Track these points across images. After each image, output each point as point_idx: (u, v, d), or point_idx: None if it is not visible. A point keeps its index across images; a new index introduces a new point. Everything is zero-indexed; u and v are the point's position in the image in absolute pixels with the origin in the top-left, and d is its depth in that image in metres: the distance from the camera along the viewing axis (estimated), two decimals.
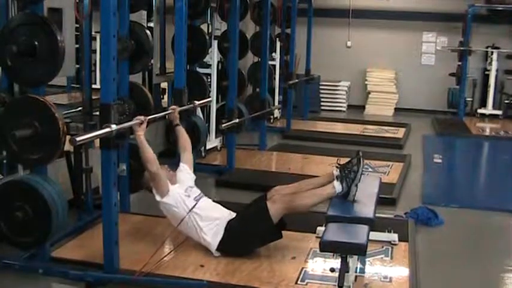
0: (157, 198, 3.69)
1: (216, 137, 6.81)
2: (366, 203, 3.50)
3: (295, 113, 9.19)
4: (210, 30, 6.77)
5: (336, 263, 3.09)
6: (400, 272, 3.56)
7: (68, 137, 3.21)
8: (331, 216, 3.30)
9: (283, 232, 3.70)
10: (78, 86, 6.09)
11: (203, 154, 6.46)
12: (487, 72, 10.74)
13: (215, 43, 6.67)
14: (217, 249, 3.61)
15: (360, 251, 2.98)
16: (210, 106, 6.59)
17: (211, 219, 3.66)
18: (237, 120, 6.00)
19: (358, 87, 11.52)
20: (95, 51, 5.30)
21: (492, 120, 10.32)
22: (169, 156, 4.87)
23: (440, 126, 9.50)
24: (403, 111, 11.06)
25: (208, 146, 6.59)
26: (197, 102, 4.71)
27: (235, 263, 3.54)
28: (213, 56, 6.62)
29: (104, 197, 3.36)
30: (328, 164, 5.74)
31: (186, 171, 3.98)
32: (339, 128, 9.20)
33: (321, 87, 11.08)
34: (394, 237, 3.99)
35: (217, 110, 6.74)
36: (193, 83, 5.31)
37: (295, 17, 8.82)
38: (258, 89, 7.82)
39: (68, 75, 5.72)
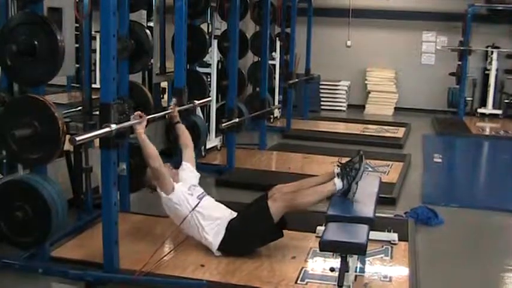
0: (162, 195, 3.68)
1: (216, 137, 6.81)
2: (365, 203, 3.50)
3: (295, 112, 9.19)
4: (210, 30, 6.77)
5: (336, 262, 3.08)
6: (400, 271, 3.56)
7: (67, 137, 3.21)
8: (331, 215, 3.30)
9: (283, 231, 3.70)
10: (78, 85, 6.09)
11: (203, 153, 6.46)
12: (487, 72, 10.74)
13: (215, 42, 6.67)
14: (219, 248, 3.61)
15: (360, 250, 2.98)
16: (210, 105, 6.59)
17: (212, 218, 3.65)
18: (237, 120, 6.00)
19: (358, 86, 11.52)
20: (94, 51, 5.30)
21: (492, 120, 10.32)
22: (169, 156, 4.87)
23: (440, 125, 9.50)
24: (403, 110, 11.06)
25: (208, 146, 6.59)
26: (197, 102, 4.71)
27: (235, 262, 3.53)
28: (213, 56, 6.62)
29: (103, 196, 3.36)
30: (328, 164, 5.74)
31: (188, 170, 3.98)
32: (339, 127, 9.20)
33: (321, 86, 11.07)
34: (394, 236, 3.99)
35: (217, 109, 6.74)
36: (193, 83, 5.31)
37: (295, 17, 8.81)
38: (258, 89, 7.82)
39: (67, 75, 5.72)
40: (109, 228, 3.35)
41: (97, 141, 3.42)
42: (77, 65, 4.82)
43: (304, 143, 7.79)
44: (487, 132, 9.46)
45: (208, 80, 6.49)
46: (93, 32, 4.62)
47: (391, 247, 3.90)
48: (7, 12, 4.02)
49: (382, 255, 3.76)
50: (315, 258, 3.65)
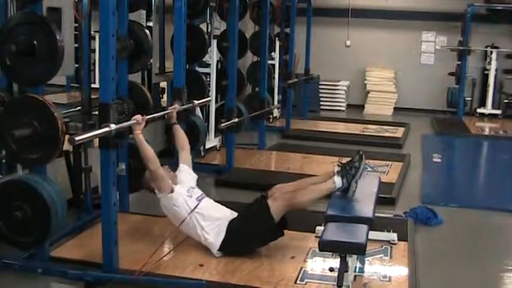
0: (161, 196, 3.68)
1: (215, 137, 6.81)
2: (365, 203, 3.50)
3: (295, 112, 9.19)
4: (209, 30, 6.77)
5: (335, 262, 3.09)
6: (399, 271, 3.56)
7: (67, 137, 3.20)
8: (330, 215, 3.30)
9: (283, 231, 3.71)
10: (77, 85, 6.08)
11: (202, 153, 6.46)
12: (486, 72, 10.74)
13: (214, 42, 6.67)
14: (219, 249, 3.60)
15: (359, 250, 2.99)
16: (209, 105, 6.59)
17: (213, 219, 3.65)
18: (236, 120, 6.00)
19: (358, 86, 11.52)
20: (94, 51, 5.28)
21: (491, 120, 10.33)
22: (169, 156, 4.87)
23: (439, 125, 9.50)
24: (402, 110, 11.06)
25: (208, 146, 6.59)
26: (196, 102, 4.71)
27: (234, 262, 3.53)
28: (213, 56, 6.62)
29: (103, 196, 3.36)
30: (327, 163, 5.74)
31: (186, 172, 3.98)
32: (338, 127, 9.20)
33: (320, 86, 11.08)
34: (393, 236, 3.99)
35: (216, 109, 6.74)
36: (193, 83, 5.31)
37: (295, 17, 8.81)
38: (257, 89, 7.82)
39: (67, 75, 5.71)
40: (108, 228, 3.35)
41: (96, 141, 3.42)
42: (76, 65, 4.81)
43: (303, 143, 7.79)
44: (486, 132, 9.47)
45: (208, 80, 6.49)
46: (92, 32, 4.62)
47: (391, 247, 3.90)
48: (6, 12, 4.02)
49: (381, 255, 3.76)
50: (314, 258, 3.65)
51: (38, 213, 3.29)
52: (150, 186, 3.80)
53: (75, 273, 3.34)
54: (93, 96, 4.37)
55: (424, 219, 4.61)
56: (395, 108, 11.17)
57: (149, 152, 3.60)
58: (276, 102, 8.83)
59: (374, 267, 3.58)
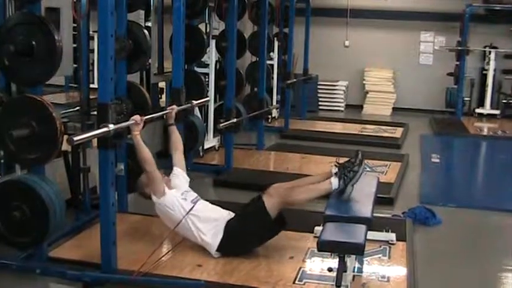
0: (154, 199, 3.68)
1: (214, 137, 6.81)
2: (363, 203, 3.50)
3: (293, 112, 9.19)
4: (208, 30, 6.76)
5: (334, 262, 3.08)
6: (398, 271, 3.56)
7: (65, 137, 3.20)
8: (328, 215, 3.30)
9: (281, 232, 3.70)
10: (75, 85, 6.08)
11: (201, 154, 6.46)
12: (484, 72, 10.74)
13: (213, 43, 6.66)
14: (218, 249, 3.60)
15: (358, 250, 2.98)
16: (208, 106, 6.59)
17: (209, 220, 3.65)
18: (235, 120, 6.00)
19: (356, 86, 11.51)
20: (92, 51, 5.27)
21: (490, 120, 10.33)
22: (167, 156, 4.86)
23: (438, 125, 9.50)
24: (401, 110, 11.06)
25: (206, 146, 6.59)
26: (195, 102, 4.71)
27: (233, 262, 3.53)
28: (211, 56, 6.62)
29: (101, 196, 3.36)
30: (326, 164, 5.73)
31: (180, 175, 3.97)
32: (337, 127, 9.20)
33: (319, 86, 11.08)
34: (392, 236, 3.99)
35: (215, 109, 6.74)
36: (191, 83, 5.31)
37: (293, 17, 8.81)
38: (256, 89, 7.81)
39: (65, 75, 5.70)
40: (107, 229, 3.35)
41: (95, 142, 3.42)
42: (75, 65, 4.82)
43: (302, 143, 7.79)
44: (485, 132, 9.49)
45: (206, 80, 6.49)
46: (91, 32, 4.62)
47: (389, 247, 3.90)
48: (5, 12, 4.02)
49: (380, 255, 3.76)
50: (312, 258, 3.66)
51: (36, 214, 3.29)
52: (143, 192, 3.81)
53: (73, 273, 3.34)
54: (91, 97, 4.37)
55: (423, 219, 4.61)
56: (394, 109, 11.17)
57: (146, 153, 3.60)
58: (274, 103, 8.83)
59: (373, 268, 3.58)
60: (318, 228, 3.85)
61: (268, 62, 8.44)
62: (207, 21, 6.81)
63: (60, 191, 3.41)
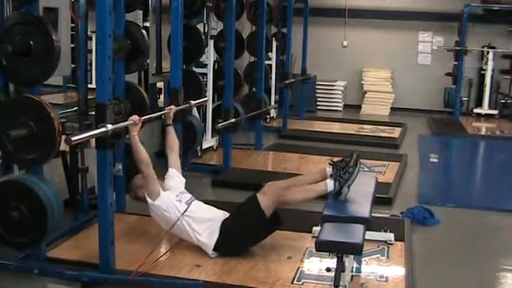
0: (149, 201, 3.68)
1: (212, 137, 6.80)
2: (361, 203, 3.50)
3: (292, 112, 9.19)
4: (206, 30, 6.76)
5: (332, 262, 3.09)
6: (396, 271, 3.56)
7: (63, 137, 3.20)
8: (327, 215, 3.30)
9: (279, 232, 3.71)
10: (74, 85, 6.07)
11: (199, 154, 6.46)
12: (483, 72, 10.75)
13: (211, 43, 6.66)
14: (214, 249, 3.60)
15: (356, 250, 2.99)
16: (206, 106, 6.58)
17: (204, 220, 3.65)
18: (233, 120, 6.00)
19: (355, 86, 11.52)
20: (90, 51, 5.28)
21: (488, 120, 10.34)
22: (165, 157, 4.85)
23: (436, 125, 9.52)
24: (399, 110, 11.07)
25: (205, 146, 6.58)
26: (193, 102, 4.71)
27: (231, 262, 3.53)
28: (209, 56, 6.61)
29: (99, 197, 3.36)
30: (324, 164, 5.70)
31: (175, 176, 3.97)
32: (335, 127, 9.21)
33: (317, 86, 11.08)
34: (390, 236, 3.99)
35: (213, 109, 6.73)
36: (190, 83, 5.31)
37: (292, 17, 8.82)
38: (254, 89, 7.81)
39: (63, 75, 5.70)
40: (105, 229, 3.35)
41: (93, 142, 3.42)
42: (73, 65, 4.81)
43: (300, 143, 7.79)
44: (483, 132, 9.49)
45: (205, 80, 6.48)
46: (89, 32, 4.61)
47: (388, 247, 3.90)
48: (2, 12, 4.01)
49: (378, 255, 3.76)
50: (311, 259, 3.65)
51: (34, 214, 3.28)
52: (136, 194, 3.82)
53: (71, 273, 3.34)
54: (89, 97, 4.37)
55: (421, 219, 4.62)
56: (392, 109, 11.18)
57: (143, 154, 3.60)
58: (272, 103, 8.82)
59: (371, 268, 3.58)
60: (316, 228, 3.85)
61: (267, 62, 8.43)
62: (205, 21, 6.81)
63: (58, 191, 3.41)
